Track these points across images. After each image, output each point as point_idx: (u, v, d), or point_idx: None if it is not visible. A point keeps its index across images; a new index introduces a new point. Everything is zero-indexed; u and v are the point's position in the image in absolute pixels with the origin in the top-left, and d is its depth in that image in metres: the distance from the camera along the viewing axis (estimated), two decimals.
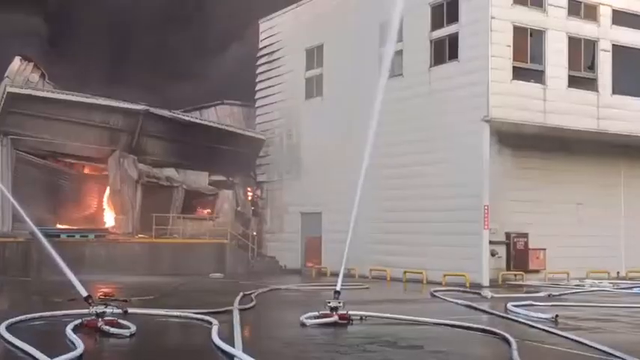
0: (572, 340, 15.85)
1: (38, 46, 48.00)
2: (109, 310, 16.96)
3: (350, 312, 18.98)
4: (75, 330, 15.93)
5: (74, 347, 13.90)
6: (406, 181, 35.72)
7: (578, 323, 19.39)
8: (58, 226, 40.58)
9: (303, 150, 43.47)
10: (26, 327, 17.23)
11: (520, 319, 19.56)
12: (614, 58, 35.70)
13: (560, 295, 27.70)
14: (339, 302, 18.97)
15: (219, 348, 14.44)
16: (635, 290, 30.67)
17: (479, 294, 27.54)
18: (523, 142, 33.13)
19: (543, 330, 17.52)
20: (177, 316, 19.60)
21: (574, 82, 34.74)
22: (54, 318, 18.68)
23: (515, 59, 33.24)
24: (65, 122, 41.25)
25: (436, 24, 35.42)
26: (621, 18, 35.99)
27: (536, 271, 34.83)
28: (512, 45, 33.13)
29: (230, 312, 19.90)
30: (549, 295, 26.95)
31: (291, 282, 33.66)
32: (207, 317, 18.46)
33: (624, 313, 22.54)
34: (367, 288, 31.20)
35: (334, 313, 18.71)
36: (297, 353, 14.57)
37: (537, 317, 19.81)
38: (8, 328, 16.07)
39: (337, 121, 39.75)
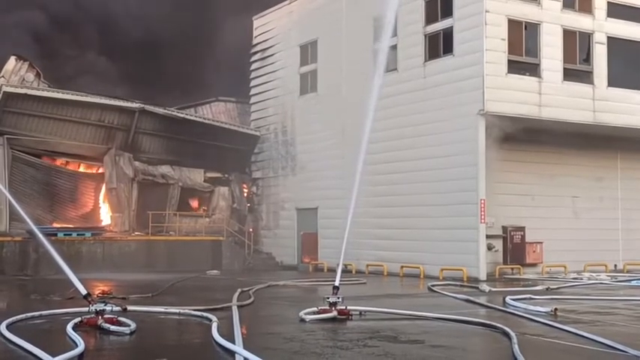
0: (572, 333, 15.88)
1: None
2: (108, 307, 16.92)
3: (349, 307, 18.97)
4: (75, 328, 15.91)
5: (75, 345, 13.89)
6: (402, 176, 35.72)
7: (578, 316, 19.42)
8: (55, 224, 40.56)
9: (298, 146, 43.46)
10: (26, 325, 17.20)
11: (519, 313, 19.57)
12: (610, 50, 35.68)
13: (558, 288, 27.75)
14: (338, 297, 18.94)
15: (219, 344, 14.43)
16: (633, 283, 30.74)
17: (477, 288, 27.57)
18: (519, 135, 33.05)
19: (543, 323, 17.54)
20: (176, 313, 19.58)
21: (569, 75, 34.70)
22: (54, 316, 18.68)
23: (510, 53, 33.20)
24: (61, 121, 41.30)
25: (430, 18, 35.39)
26: (616, 10, 35.95)
27: (533, 265, 34.90)
28: (506, 38, 33.08)
29: (229, 308, 19.94)
30: (547, 289, 27.01)
31: (288, 278, 33.67)
32: (206, 314, 18.47)
33: (623, 306, 22.59)
34: (364, 283, 31.22)
35: (333, 308, 18.69)
36: (298, 349, 14.53)
37: (536, 311, 19.83)
38: (9, 327, 16.04)
39: (332, 116, 39.79)
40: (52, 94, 41.10)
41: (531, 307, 20.40)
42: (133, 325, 16.34)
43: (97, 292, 24.62)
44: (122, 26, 53.93)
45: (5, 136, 39.54)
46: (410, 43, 35.87)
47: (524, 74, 33.66)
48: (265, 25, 46.96)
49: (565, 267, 34.90)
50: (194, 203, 45.99)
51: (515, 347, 13.70)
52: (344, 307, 18.81)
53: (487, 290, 26.71)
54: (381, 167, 35.15)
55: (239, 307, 20.43)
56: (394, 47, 35.48)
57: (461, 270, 32.20)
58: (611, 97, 35.46)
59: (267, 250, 45.53)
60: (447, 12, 34.38)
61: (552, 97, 33.85)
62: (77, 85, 44.08)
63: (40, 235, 19.69)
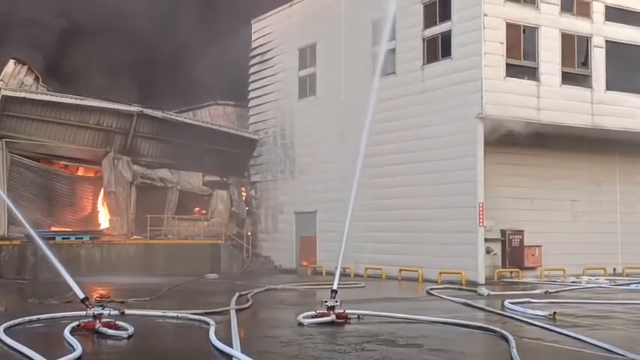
0: (571, 337, 15.85)
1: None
2: (106, 311, 16.88)
3: (347, 311, 18.94)
4: (72, 332, 15.87)
5: (72, 349, 13.87)
6: (401, 179, 35.68)
7: (576, 320, 19.39)
8: (53, 228, 40.51)
9: (297, 149, 43.42)
10: (24, 329, 17.18)
11: (518, 317, 19.55)
12: (608, 54, 35.68)
13: (556, 292, 27.73)
14: (336, 301, 18.91)
15: (217, 349, 14.41)
16: (632, 286, 30.72)
17: (475, 291, 27.51)
18: (517, 139, 33.06)
19: (541, 327, 17.51)
20: (174, 317, 19.56)
21: (568, 78, 34.69)
22: (51, 320, 18.64)
23: (508, 56, 33.18)
24: (59, 124, 41.26)
25: (429, 22, 35.35)
26: (614, 14, 35.97)
27: (532, 268, 34.83)
28: (505, 42, 33.07)
29: (227, 312, 19.92)
30: (546, 292, 26.97)
31: (286, 281, 33.66)
32: (204, 318, 18.45)
33: (622, 310, 22.58)
34: (363, 287, 31.17)
35: (331, 312, 18.67)
36: (296, 352, 14.52)
37: (535, 314, 19.79)
38: (6, 331, 16.01)
39: (331, 119, 39.77)
40: (51, 98, 41.06)
41: (530, 311, 20.36)
42: (131, 329, 16.32)
43: (95, 295, 24.61)
44: (122, 28, 53.63)
45: (4, 139, 39.50)
46: (408, 46, 35.85)
47: (522, 78, 33.63)
48: (264, 28, 46.93)
49: (564, 270, 34.83)
50: (192, 207, 45.93)
51: (514, 351, 13.68)
52: (342, 311, 18.79)
53: (486, 294, 26.69)
54: (379, 170, 35.13)
55: (237, 310, 20.41)
56: (393, 51, 35.55)
57: (459, 273, 32.18)
58: (610, 100, 35.44)
59: (265, 253, 45.47)
60: (446, 15, 34.35)
61: (551, 101, 33.83)
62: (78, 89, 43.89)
63: (38, 239, 19.66)
